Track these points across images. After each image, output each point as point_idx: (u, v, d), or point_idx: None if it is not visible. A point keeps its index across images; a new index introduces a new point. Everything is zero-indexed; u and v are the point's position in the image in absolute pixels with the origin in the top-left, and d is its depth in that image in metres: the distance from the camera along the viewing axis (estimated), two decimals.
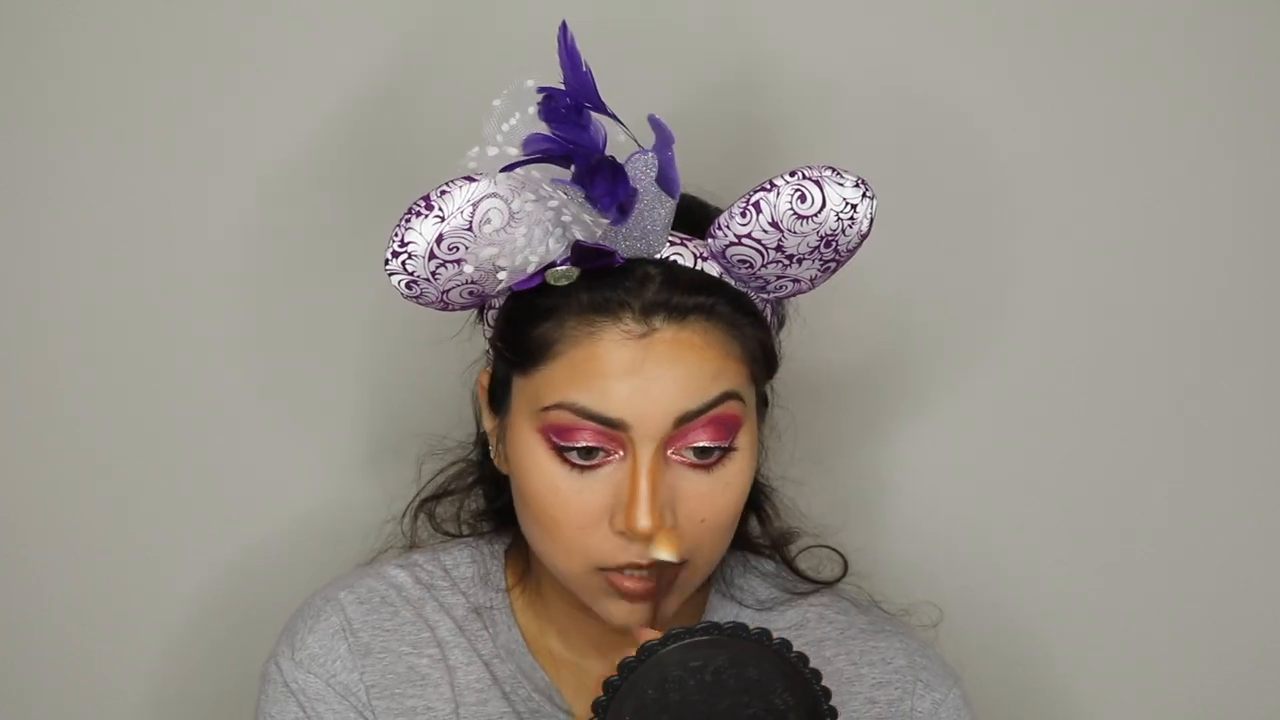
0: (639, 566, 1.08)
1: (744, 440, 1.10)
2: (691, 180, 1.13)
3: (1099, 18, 1.40)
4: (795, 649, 0.97)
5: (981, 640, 1.41)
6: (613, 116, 1.07)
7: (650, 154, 1.06)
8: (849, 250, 1.09)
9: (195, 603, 1.42)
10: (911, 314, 1.41)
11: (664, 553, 1.05)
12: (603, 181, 1.06)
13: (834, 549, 1.27)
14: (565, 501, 1.08)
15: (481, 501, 1.25)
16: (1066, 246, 1.41)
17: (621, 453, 1.07)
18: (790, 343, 1.20)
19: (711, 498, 1.09)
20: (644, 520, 1.06)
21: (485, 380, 1.16)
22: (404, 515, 1.28)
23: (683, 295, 1.07)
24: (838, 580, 1.25)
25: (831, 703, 0.98)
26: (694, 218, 1.11)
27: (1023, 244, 1.40)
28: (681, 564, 1.09)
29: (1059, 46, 1.40)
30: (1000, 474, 1.43)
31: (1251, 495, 1.42)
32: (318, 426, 1.41)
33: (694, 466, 1.08)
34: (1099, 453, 1.42)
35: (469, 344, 1.23)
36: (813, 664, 0.98)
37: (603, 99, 1.07)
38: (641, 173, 1.07)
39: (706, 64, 1.39)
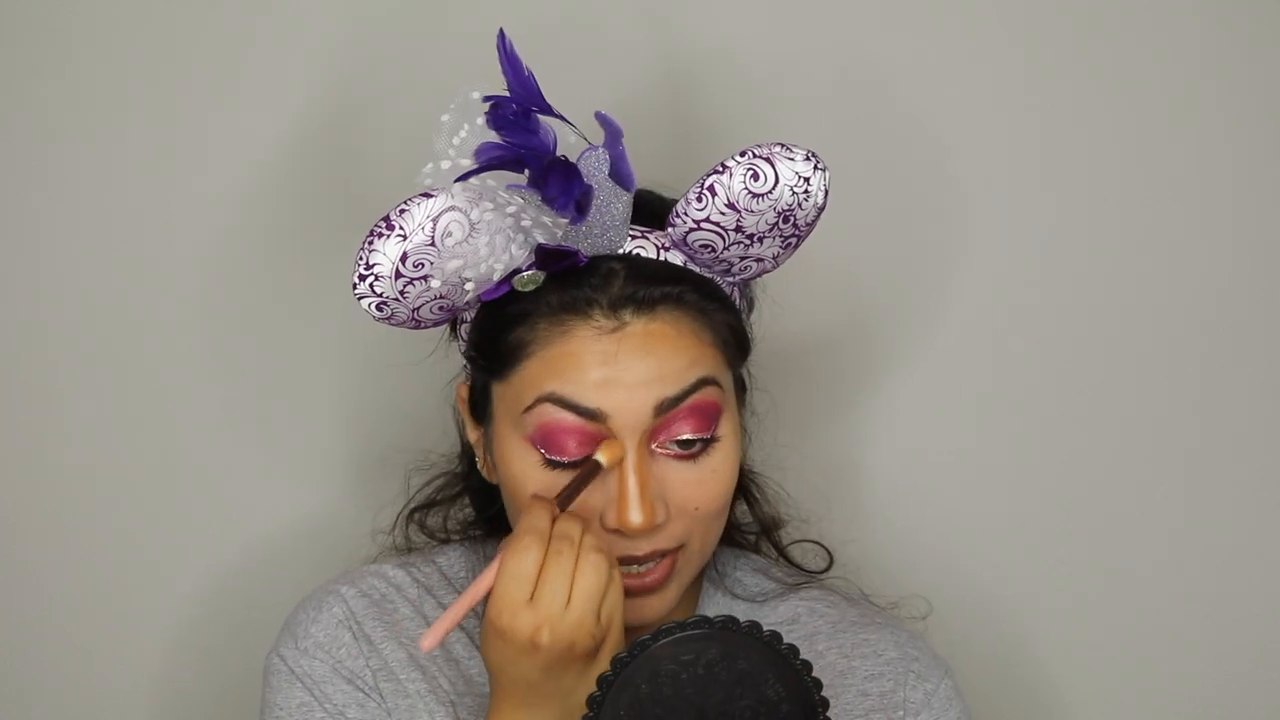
0: (635, 559, 1.09)
1: (726, 428, 1.11)
2: (641, 176, 1.13)
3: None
4: (785, 641, 0.98)
5: (970, 632, 1.41)
6: (560, 117, 1.07)
7: (602, 150, 1.07)
8: (808, 224, 1.09)
9: (192, 606, 1.42)
10: (888, 304, 1.42)
11: (601, 455, 1.06)
12: (556, 180, 1.06)
13: (819, 543, 1.28)
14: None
15: (469, 511, 1.26)
16: (1050, 243, 1.41)
17: None
18: (763, 331, 1.21)
19: (701, 485, 1.10)
20: (636, 516, 1.07)
21: (464, 393, 1.17)
22: (394, 526, 1.29)
23: (649, 287, 1.08)
24: (826, 569, 1.26)
25: (823, 693, 0.99)
26: (652, 210, 1.12)
27: (1004, 231, 1.41)
28: (677, 549, 1.10)
29: (1013, 26, 1.40)
30: (987, 464, 1.43)
31: (1247, 486, 1.43)
32: (306, 438, 1.42)
33: (679, 458, 1.09)
34: (1086, 441, 1.43)
35: (448, 358, 1.23)
36: (804, 656, 0.99)
37: (548, 101, 1.07)
38: (595, 168, 1.07)
39: (647, 61, 1.40)
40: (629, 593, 1.09)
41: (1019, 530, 1.43)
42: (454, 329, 1.17)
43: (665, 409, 1.07)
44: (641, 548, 1.09)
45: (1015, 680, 1.43)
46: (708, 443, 1.10)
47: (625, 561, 1.09)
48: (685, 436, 1.08)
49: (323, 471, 1.43)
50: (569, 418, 1.07)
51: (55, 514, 1.41)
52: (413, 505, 1.29)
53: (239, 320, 1.41)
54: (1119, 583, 1.43)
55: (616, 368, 1.07)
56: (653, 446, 1.08)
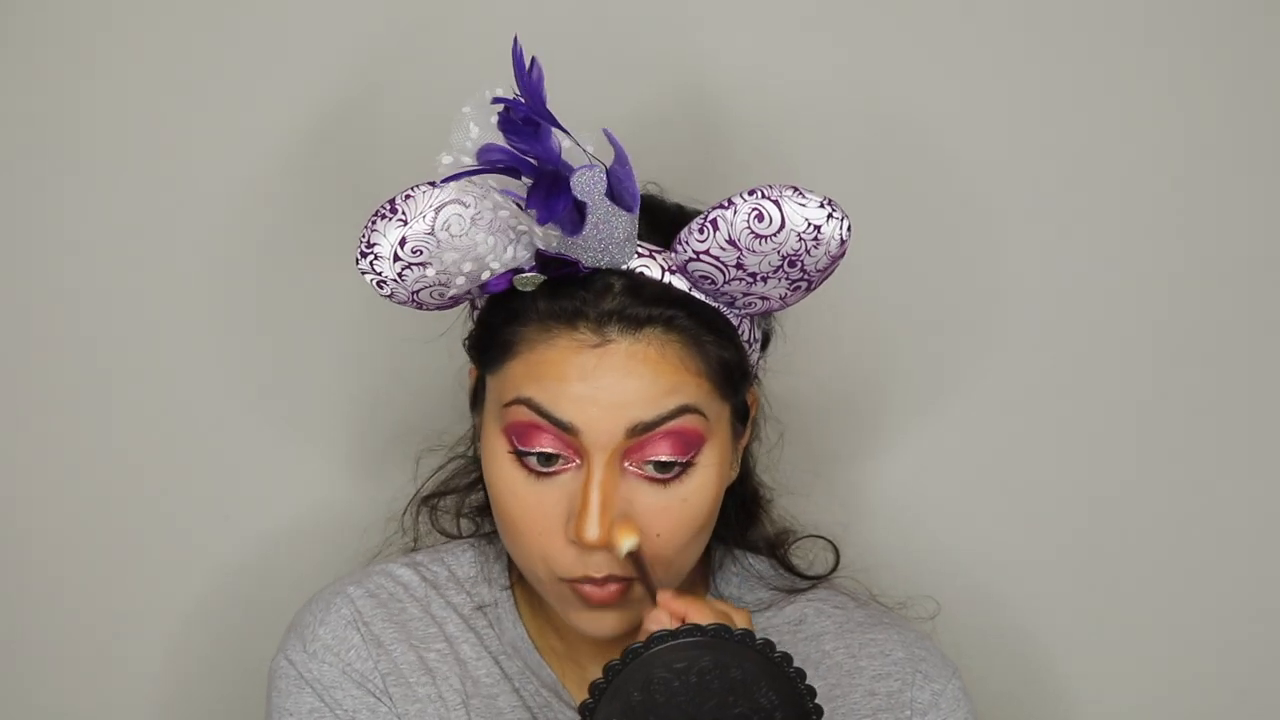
0: (593, 581, 1.08)
1: (708, 456, 1.09)
2: (671, 191, 1.14)
3: (1069, 20, 1.39)
4: (779, 649, 0.98)
5: (978, 633, 1.41)
6: (564, 131, 1.05)
7: (596, 169, 1.04)
8: (819, 270, 1.06)
9: (195, 604, 1.42)
10: (899, 321, 1.42)
11: (625, 543, 1.05)
12: (537, 194, 1.04)
13: (825, 538, 1.27)
14: (525, 506, 1.09)
15: (483, 498, 1.25)
16: (1051, 250, 1.41)
17: (578, 461, 1.07)
18: (781, 353, 1.21)
19: (667, 513, 1.08)
20: (591, 532, 1.06)
21: (470, 380, 1.17)
22: (405, 512, 1.29)
23: (639, 307, 1.07)
24: (831, 573, 1.25)
25: (818, 701, 0.99)
26: (676, 226, 1.08)
27: (1007, 248, 1.40)
28: (631, 580, 1.08)
29: (1046, 57, 1.39)
30: (995, 466, 1.43)
31: (1251, 486, 1.43)
32: (314, 426, 1.42)
33: (651, 480, 1.08)
34: (1094, 444, 1.43)
35: (461, 341, 1.23)
36: (811, 658, 0.99)
37: (553, 113, 1.05)
38: (589, 186, 1.04)
39: (672, 76, 1.38)
40: (588, 602, 1.09)
41: (1027, 532, 1.43)
42: (473, 311, 1.17)
43: (638, 432, 1.06)
44: (601, 569, 1.08)
45: (1023, 682, 1.43)
46: (685, 467, 1.08)
47: (584, 582, 1.09)
48: (662, 459, 1.07)
49: (332, 461, 1.42)
50: (542, 423, 1.07)
51: (60, 508, 1.41)
52: (425, 492, 1.28)
53: (234, 318, 1.41)
54: (1127, 585, 1.43)
55: (594, 384, 1.06)
56: (626, 465, 1.07)
